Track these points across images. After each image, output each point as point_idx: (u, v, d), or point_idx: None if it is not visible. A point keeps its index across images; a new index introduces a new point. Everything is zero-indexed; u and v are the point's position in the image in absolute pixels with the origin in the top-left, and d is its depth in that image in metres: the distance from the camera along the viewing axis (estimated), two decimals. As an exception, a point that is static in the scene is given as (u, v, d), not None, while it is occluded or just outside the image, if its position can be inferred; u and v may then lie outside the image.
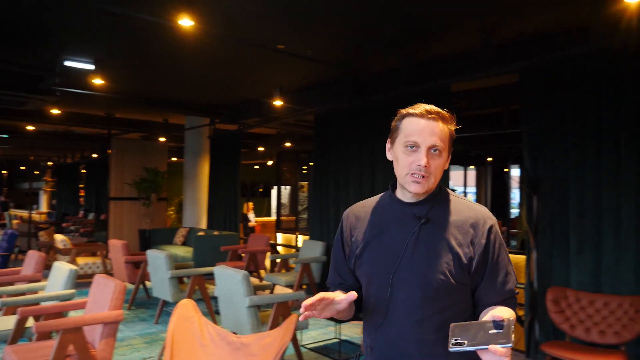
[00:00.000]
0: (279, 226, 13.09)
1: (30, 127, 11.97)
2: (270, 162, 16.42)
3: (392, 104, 6.27)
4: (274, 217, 14.62)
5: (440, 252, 1.48)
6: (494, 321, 1.24)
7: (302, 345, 5.08)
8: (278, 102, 7.24)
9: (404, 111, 1.56)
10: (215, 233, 9.12)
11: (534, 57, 4.89)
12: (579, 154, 4.56)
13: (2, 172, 25.91)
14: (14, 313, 4.18)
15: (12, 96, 7.30)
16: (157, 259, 5.86)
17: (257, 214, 16.56)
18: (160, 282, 5.86)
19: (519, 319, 5.19)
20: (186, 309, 3.08)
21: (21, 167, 24.87)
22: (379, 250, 1.56)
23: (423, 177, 1.48)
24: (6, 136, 13.07)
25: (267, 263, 8.96)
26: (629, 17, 4.06)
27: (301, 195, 14.69)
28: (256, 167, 18.91)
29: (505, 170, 11.99)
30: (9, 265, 8.30)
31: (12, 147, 16.37)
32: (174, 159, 15.41)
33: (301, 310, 1.37)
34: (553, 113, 4.76)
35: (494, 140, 9.68)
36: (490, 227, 1.51)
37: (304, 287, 7.30)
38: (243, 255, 7.98)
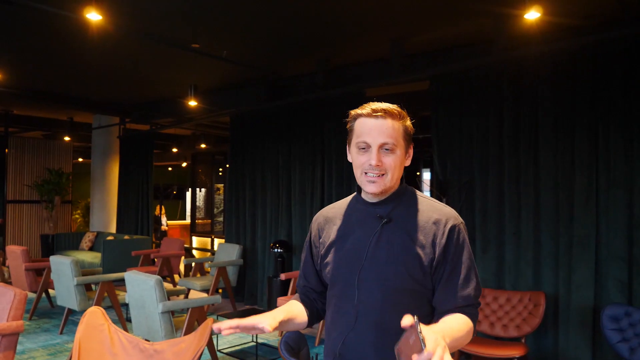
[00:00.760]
0: (194, 229, 12.79)
1: None
2: (184, 164, 16.00)
3: (308, 107, 6.40)
4: (188, 221, 14.26)
5: (401, 253, 1.45)
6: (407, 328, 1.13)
7: (219, 350, 4.99)
8: (192, 103, 7.08)
9: (353, 112, 1.53)
10: (126, 237, 8.74)
11: (443, 65, 5.17)
12: (483, 158, 4.86)
13: None
14: None
15: None
16: (61, 266, 5.52)
17: (171, 217, 16.08)
18: (65, 289, 5.52)
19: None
20: (95, 317, 2.94)
21: None
22: (342, 251, 1.54)
23: (378, 176, 1.47)
24: None
25: (182, 267, 8.72)
26: (529, 32, 4.39)
27: (217, 197, 14.45)
28: (170, 168, 18.34)
29: (417, 173, 12.49)
30: None
31: None
32: (80, 159, 14.59)
33: (215, 330, 1.31)
34: (460, 119, 5.04)
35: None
36: (453, 227, 1.47)
37: (220, 291, 7.19)
38: (156, 259, 7.71)
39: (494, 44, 4.64)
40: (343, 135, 5.89)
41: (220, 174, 14.05)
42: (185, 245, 9.01)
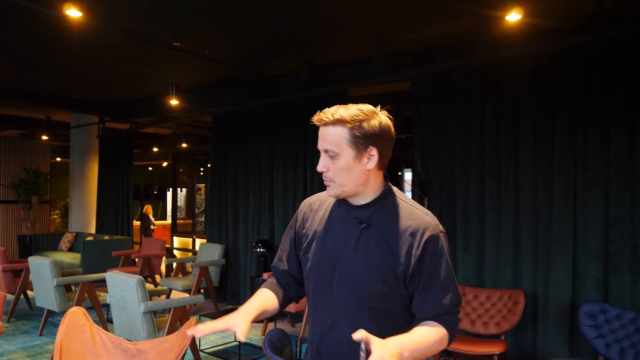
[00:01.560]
0: (175, 229, 12.69)
1: None
2: (165, 164, 15.85)
3: (291, 107, 6.40)
4: (169, 221, 14.14)
5: (377, 260, 1.46)
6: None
7: (201, 350, 4.97)
8: (174, 101, 7.03)
9: None
10: (106, 237, 8.64)
11: (425, 66, 5.21)
12: (464, 158, 4.92)
13: None
14: None
15: None
16: (40, 267, 5.44)
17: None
18: (44, 291, 5.44)
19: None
20: (76, 317, 2.90)
21: None
22: (323, 249, 1.56)
23: (328, 181, 1.49)
24: None
25: (163, 268, 8.65)
26: (510, 34, 4.45)
27: (198, 197, 14.33)
28: (150, 168, 18.16)
29: (399, 173, 12.57)
30: None
31: None
32: (58, 159, 14.37)
33: (189, 335, 1.35)
34: (442, 119, 5.09)
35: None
36: (429, 239, 1.46)
37: (202, 291, 7.15)
38: (137, 260, 7.64)
39: (476, 45, 4.70)
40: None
41: (202, 173, 13.96)
42: (166, 246, 8.93)
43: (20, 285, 6.28)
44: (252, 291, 6.49)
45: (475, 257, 4.82)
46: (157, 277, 7.71)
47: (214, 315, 5.16)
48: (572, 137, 4.32)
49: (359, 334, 1.22)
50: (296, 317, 6.20)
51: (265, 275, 5.76)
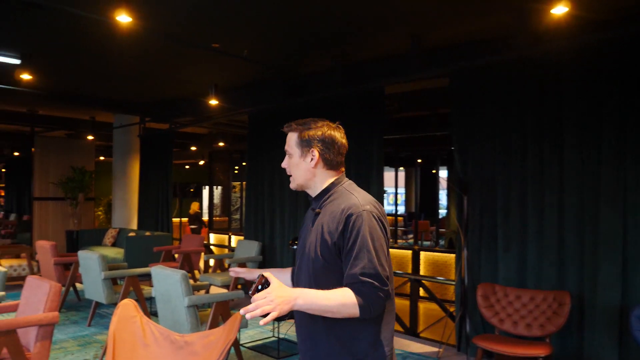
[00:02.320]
0: (211, 226, 12.94)
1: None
2: (202, 162, 16.16)
3: (326, 105, 6.41)
4: (205, 218, 14.41)
5: (318, 238, 1.77)
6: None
7: (241, 345, 5.09)
8: (213, 102, 7.17)
9: None
10: (147, 233, 8.90)
11: (463, 62, 5.04)
12: (505, 156, 4.80)
13: None
14: None
15: None
16: (89, 260, 5.66)
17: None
18: (93, 283, 5.67)
19: (450, 314, 5.43)
20: (127, 309, 3.04)
21: None
22: (301, 235, 1.93)
23: (289, 175, 1.90)
24: None
25: (202, 264, 8.85)
26: (551, 27, 4.33)
27: (233, 195, 14.56)
28: (187, 166, 18.53)
29: (433, 171, 12.45)
30: None
31: None
32: (102, 158, 14.84)
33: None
34: (481, 116, 4.98)
35: (423, 142, 10.03)
36: (349, 215, 1.71)
37: (239, 287, 7.29)
38: (177, 255, 7.84)
39: (516, 39, 4.59)
40: (361, 130, 5.93)
41: (237, 172, 14.17)
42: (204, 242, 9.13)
43: (70, 278, 6.57)
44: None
45: (516, 257, 4.71)
46: (196, 272, 7.90)
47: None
48: (621, 133, 4.14)
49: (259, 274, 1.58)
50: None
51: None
